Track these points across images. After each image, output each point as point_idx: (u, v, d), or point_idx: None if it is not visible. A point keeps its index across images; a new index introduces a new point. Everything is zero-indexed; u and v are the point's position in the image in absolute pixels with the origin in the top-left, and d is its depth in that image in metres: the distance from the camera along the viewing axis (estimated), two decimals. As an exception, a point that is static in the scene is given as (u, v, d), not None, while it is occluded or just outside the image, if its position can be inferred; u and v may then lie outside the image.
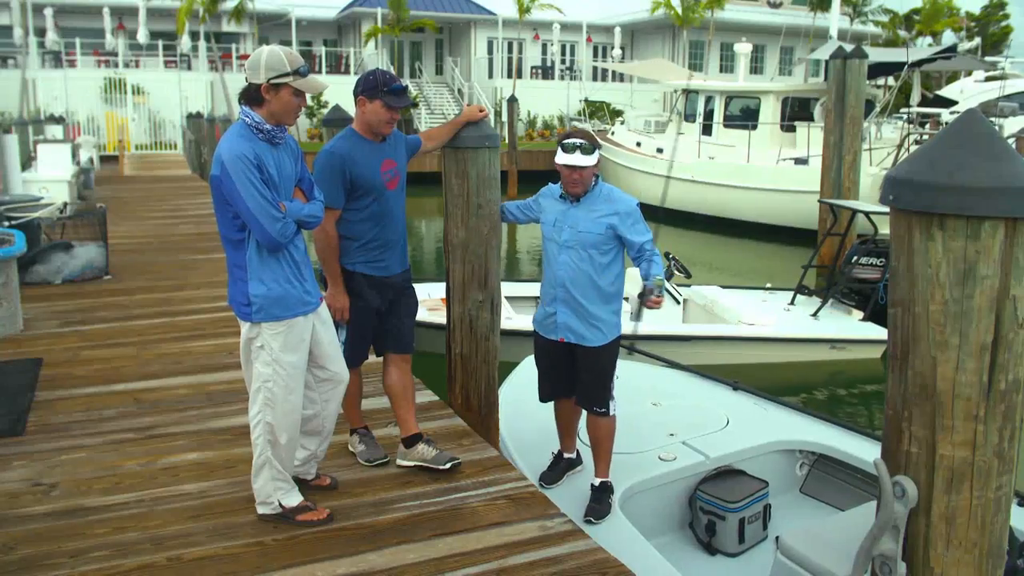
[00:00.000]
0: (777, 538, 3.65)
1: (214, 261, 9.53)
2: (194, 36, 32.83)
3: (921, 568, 1.96)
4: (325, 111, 13.09)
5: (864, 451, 4.81)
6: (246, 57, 34.17)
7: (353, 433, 4.32)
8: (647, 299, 4.03)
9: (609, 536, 3.92)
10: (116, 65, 31.70)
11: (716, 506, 4.57)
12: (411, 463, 4.17)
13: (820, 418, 5.38)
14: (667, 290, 8.99)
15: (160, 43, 32.52)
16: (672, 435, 5.02)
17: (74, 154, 16.45)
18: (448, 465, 4.10)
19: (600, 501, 4.32)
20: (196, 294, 7.91)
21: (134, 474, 4.10)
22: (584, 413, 4.45)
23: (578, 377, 4.31)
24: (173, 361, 5.85)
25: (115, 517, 3.68)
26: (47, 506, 3.77)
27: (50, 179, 13.47)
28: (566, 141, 4.11)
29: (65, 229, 8.93)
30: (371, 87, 3.86)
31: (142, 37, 31.23)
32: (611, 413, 4.33)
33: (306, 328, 3.51)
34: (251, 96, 3.30)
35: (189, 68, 33.24)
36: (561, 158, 4.10)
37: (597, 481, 4.41)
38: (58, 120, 22.50)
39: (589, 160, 4.07)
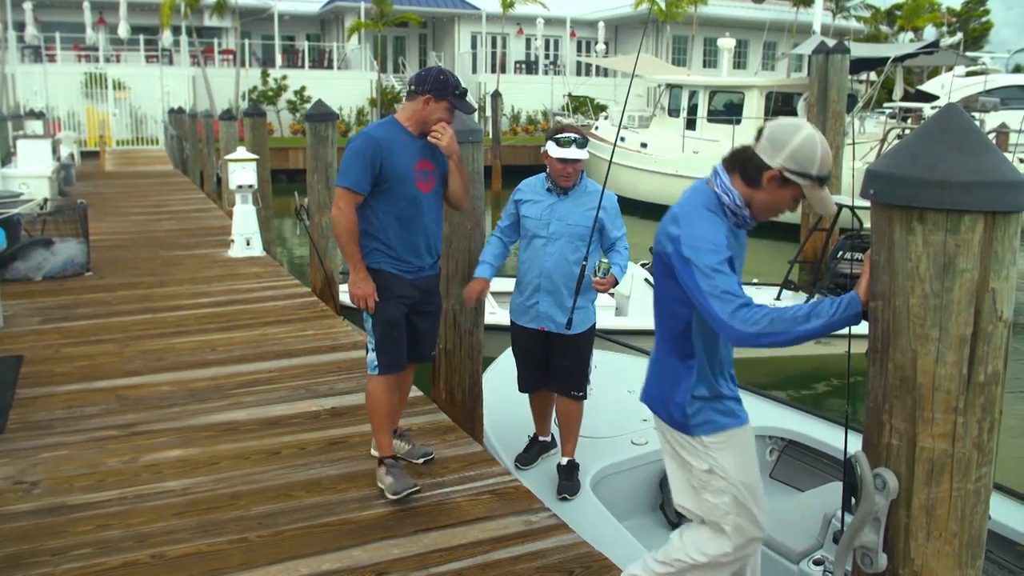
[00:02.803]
0: None
1: (196, 257, 9.48)
2: (176, 31, 32.59)
3: (902, 559, 1.98)
4: (308, 106, 13.06)
5: (832, 437, 4.90)
6: (228, 52, 34.01)
7: (381, 464, 3.90)
8: (592, 281, 4.12)
9: (580, 517, 3.95)
10: (97, 60, 31.44)
11: None
12: None
13: (790, 405, 5.49)
14: (650, 283, 9.03)
15: (141, 38, 32.26)
16: (645, 420, 5.11)
17: (54, 150, 16.31)
18: (422, 460, 4.12)
19: (571, 478, 4.41)
20: (179, 290, 7.86)
21: (117, 471, 4.07)
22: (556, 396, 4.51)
23: (556, 363, 4.35)
24: (156, 358, 5.82)
25: (98, 515, 3.66)
26: (29, 504, 3.74)
27: (30, 175, 13.35)
28: (560, 136, 4.15)
29: (46, 225, 8.87)
30: (442, 87, 3.73)
31: (123, 32, 30.96)
32: (587, 396, 4.42)
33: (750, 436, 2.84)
34: (748, 169, 2.55)
35: (171, 63, 33.01)
36: (557, 152, 4.13)
37: (565, 460, 4.48)
38: (38, 115, 22.26)
39: (584, 154, 4.16)
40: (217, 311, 7.08)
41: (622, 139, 22.42)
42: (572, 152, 4.11)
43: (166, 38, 31.82)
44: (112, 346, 6.08)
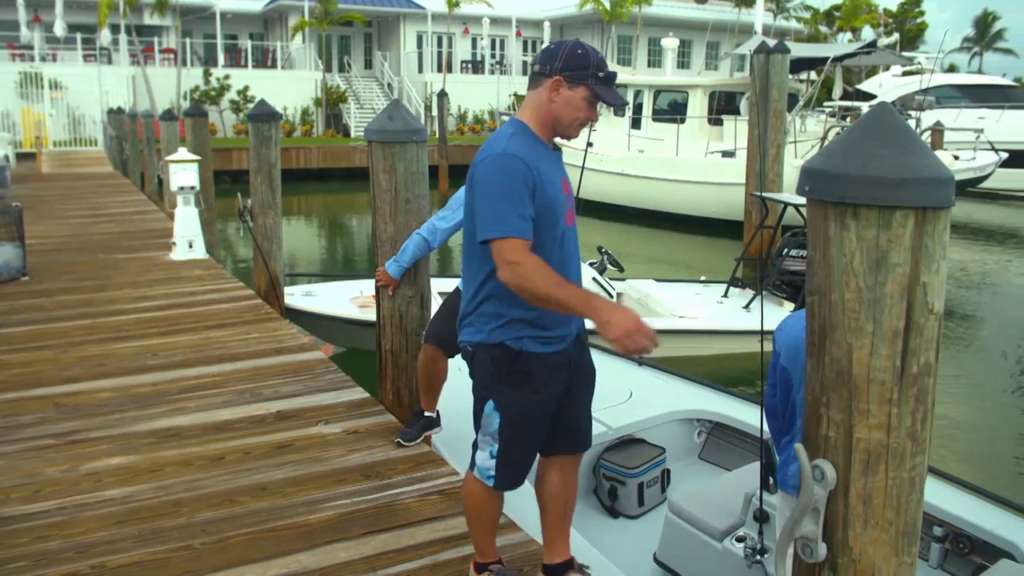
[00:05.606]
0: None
1: (137, 261, 9.30)
2: (114, 29, 31.90)
3: (840, 548, 2.01)
4: (251, 106, 12.75)
5: (756, 419, 5.04)
6: (169, 51, 33.38)
7: (484, 571, 3.10)
8: None
9: (516, 505, 3.99)
10: (32, 59, 30.64)
11: (617, 472, 4.82)
12: None
13: (717, 389, 5.65)
14: (599, 283, 9.09)
15: (78, 36, 31.52)
16: None
17: (-12, 151, 15.86)
18: None
19: None
20: (119, 295, 7.70)
21: (55, 481, 3.97)
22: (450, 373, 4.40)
23: None
24: (95, 364, 5.69)
25: (36, 526, 3.56)
26: (-38, 516, 3.64)
27: (-38, 178, 12.97)
28: None
29: (-21, 229, 8.60)
30: (579, 67, 2.65)
31: (59, 30, 30.23)
32: None
33: None
34: None
35: (109, 62, 32.30)
36: None
37: None
38: (-30, 116, 21.66)
39: None
40: (159, 315, 6.95)
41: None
42: None
43: (104, 37, 31.13)
44: (50, 353, 5.93)
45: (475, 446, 2.91)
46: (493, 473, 2.85)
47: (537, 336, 2.75)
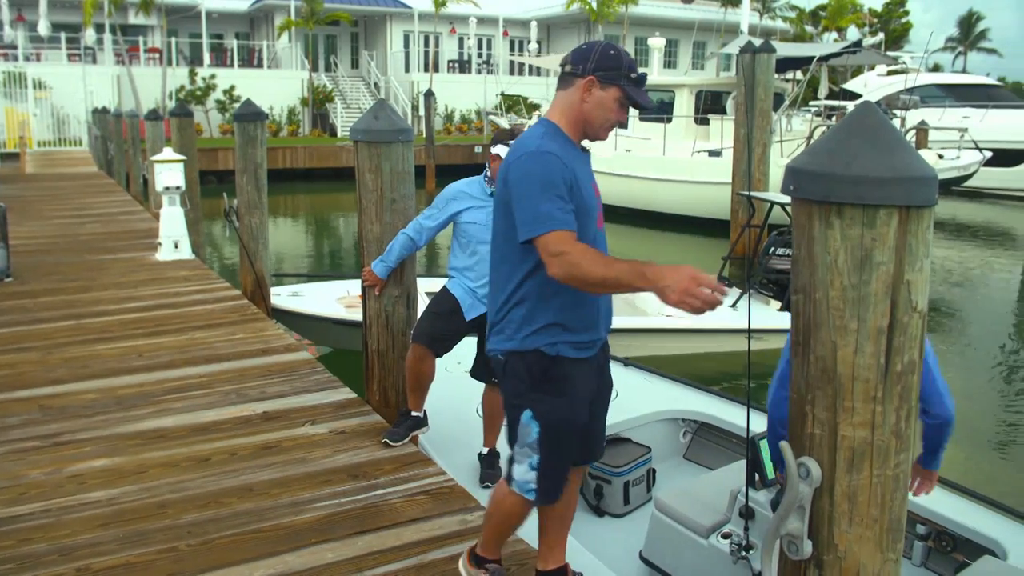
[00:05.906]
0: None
1: (122, 261, 9.24)
2: (99, 28, 31.72)
3: (826, 545, 2.02)
4: (237, 106, 12.61)
5: (741, 418, 5.06)
6: (154, 50, 33.20)
7: (482, 565, 3.11)
8: None
9: None
10: (15, 58, 30.42)
11: (602, 471, 4.83)
12: None
13: (702, 389, 5.69)
14: None
15: (63, 35, 31.33)
16: None
17: (-29, 152, 15.73)
18: None
19: (493, 467, 4.45)
20: (104, 295, 7.66)
21: (39, 483, 3.94)
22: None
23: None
24: (80, 365, 5.65)
25: (20, 528, 3.54)
26: (-55, 520, 3.61)
27: (-55, 178, 12.87)
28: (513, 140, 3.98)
29: (-38, 230, 8.53)
30: (612, 67, 2.61)
31: (43, 29, 30.02)
32: None
33: None
34: None
35: (94, 62, 32.11)
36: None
37: (486, 450, 4.52)
38: (-47, 116, 21.48)
39: None
40: (144, 316, 6.91)
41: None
42: None
43: (89, 36, 30.94)
44: (34, 354, 5.89)
45: (511, 460, 2.79)
46: (534, 486, 2.74)
47: (571, 342, 2.69)
